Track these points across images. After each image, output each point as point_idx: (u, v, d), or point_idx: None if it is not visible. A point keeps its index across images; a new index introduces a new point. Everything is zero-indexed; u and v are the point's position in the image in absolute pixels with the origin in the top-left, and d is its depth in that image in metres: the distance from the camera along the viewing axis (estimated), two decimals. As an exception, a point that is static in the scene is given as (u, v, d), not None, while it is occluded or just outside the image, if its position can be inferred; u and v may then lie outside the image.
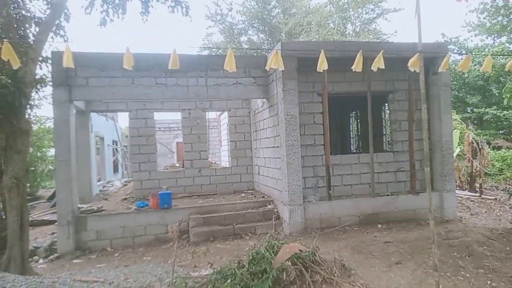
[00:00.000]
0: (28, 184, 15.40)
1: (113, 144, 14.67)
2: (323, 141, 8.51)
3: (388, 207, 8.50)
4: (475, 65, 20.83)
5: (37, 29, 7.01)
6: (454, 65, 18.49)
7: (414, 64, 4.54)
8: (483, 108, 21.12)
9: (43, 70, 8.13)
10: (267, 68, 5.67)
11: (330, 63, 8.22)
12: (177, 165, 14.24)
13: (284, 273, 4.67)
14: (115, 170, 15.29)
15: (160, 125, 20.84)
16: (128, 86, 8.38)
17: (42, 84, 6.87)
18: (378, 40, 23.22)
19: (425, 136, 4.27)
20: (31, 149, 15.91)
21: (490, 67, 5.16)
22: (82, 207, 8.61)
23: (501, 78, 20.36)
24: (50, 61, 8.06)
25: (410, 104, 8.76)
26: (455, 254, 5.06)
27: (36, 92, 6.98)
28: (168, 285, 5.10)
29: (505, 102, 14.29)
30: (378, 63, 5.26)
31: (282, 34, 25.23)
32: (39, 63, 7.22)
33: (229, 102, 11.24)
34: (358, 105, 13.28)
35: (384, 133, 12.05)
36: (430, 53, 8.53)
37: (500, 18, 21.27)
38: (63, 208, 7.82)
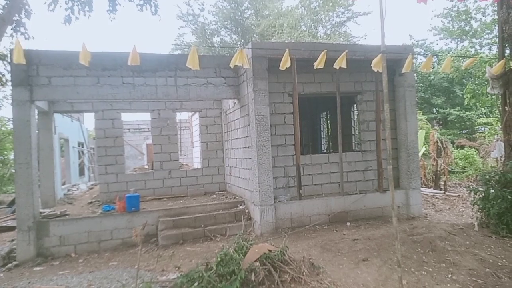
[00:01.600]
0: (-13, 189, 14.74)
1: (79, 146, 14.15)
2: (294, 141, 8.56)
3: (357, 205, 8.66)
4: (439, 67, 21.70)
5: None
6: (414, 70, 19.19)
7: (377, 64, 4.65)
8: (448, 109, 22.00)
9: (1, 68, 7.75)
10: (231, 65, 5.62)
11: (300, 64, 8.35)
12: (146, 167, 13.93)
13: (253, 274, 4.64)
14: (81, 173, 14.75)
15: (130, 126, 20.37)
16: (93, 85, 8.11)
17: (0, 84, 6.49)
18: (347, 43, 23.72)
19: (387, 135, 4.35)
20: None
21: (449, 68, 5.36)
22: (44, 212, 8.23)
23: (464, 81, 21.30)
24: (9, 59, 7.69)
25: (377, 105, 8.97)
26: (419, 249, 5.20)
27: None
28: (134, 290, 4.94)
29: (465, 102, 14.94)
30: (341, 62, 5.35)
31: (254, 35, 25.31)
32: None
33: (200, 102, 11.11)
34: (329, 106, 13.49)
35: (353, 133, 12.28)
36: (394, 54, 8.79)
37: (462, 24, 22.30)
38: (23, 213, 7.44)
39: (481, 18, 21.91)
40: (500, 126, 7.37)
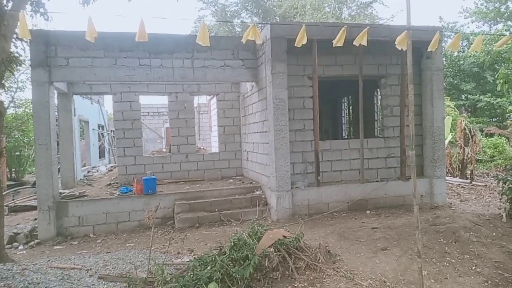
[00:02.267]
0: (13, 169, 15.22)
1: (98, 129, 14.32)
2: (313, 126, 8.29)
3: (377, 193, 8.37)
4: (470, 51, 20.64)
5: (11, 3, 6.60)
6: (450, 51, 18.24)
7: (401, 42, 4.31)
8: (477, 96, 21.00)
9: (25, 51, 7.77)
10: (243, 41, 5.37)
11: (322, 46, 8.01)
12: (164, 150, 13.97)
13: (267, 260, 4.52)
14: (101, 155, 14.97)
15: (149, 110, 20.50)
16: (110, 67, 8.06)
17: (16, 64, 6.48)
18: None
19: (411, 119, 4.06)
20: (17, 134, 15.59)
21: (479, 47, 4.93)
22: (64, 192, 8.36)
23: (496, 66, 20.18)
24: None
25: (403, 89, 8.54)
26: (442, 240, 4.92)
27: (10, 71, 6.60)
28: (146, 272, 4.92)
29: (498, 88, 14.15)
30: (361, 39, 5.01)
31: (276, 17, 24.71)
32: (14, 40, 6.84)
33: (217, 85, 10.94)
34: (350, 90, 13.04)
35: (376, 119, 11.86)
36: (421, 34, 8.29)
37: (497, 5, 20.99)
38: (43, 193, 7.57)
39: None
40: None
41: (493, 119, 21.67)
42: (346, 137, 13.71)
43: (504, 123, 19.15)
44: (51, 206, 7.54)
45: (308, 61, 8.15)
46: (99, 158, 14.42)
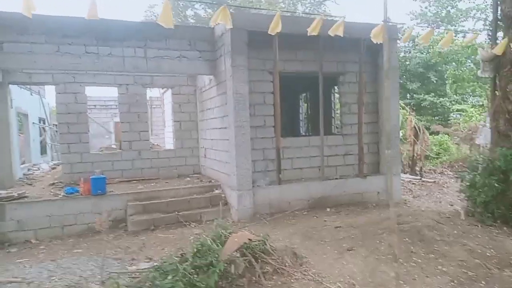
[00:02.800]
0: None
1: (39, 123, 13.05)
2: (274, 122, 8.09)
3: (337, 190, 8.39)
4: (416, 52, 21.72)
5: None
6: (397, 52, 19.05)
7: (377, 35, 4.19)
8: (422, 95, 22.22)
9: None
10: (211, 23, 5.02)
11: (282, 40, 7.81)
12: (114, 146, 13.09)
13: (233, 266, 4.24)
14: (43, 151, 13.69)
15: (96, 103, 19.14)
16: (52, 54, 7.26)
17: None
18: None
19: (386, 117, 3.95)
20: None
21: (450, 43, 5.02)
22: (0, 193, 7.42)
23: (438, 67, 21.42)
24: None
25: (360, 87, 8.60)
26: (407, 239, 4.95)
27: None
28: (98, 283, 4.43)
29: (447, 88, 14.83)
30: (337, 29, 4.86)
31: (231, 10, 24.27)
32: None
33: (172, 78, 10.37)
34: (308, 87, 13.09)
35: (333, 116, 12.01)
36: (391, 23, 8.40)
37: (439, 9, 22.32)
38: (-28, 195, 6.64)
39: (457, 4, 22.01)
40: (488, 112, 7.21)
41: (435, 118, 23.08)
42: (303, 133, 13.74)
43: (447, 121, 20.39)
44: (-17, 210, 6.65)
45: (269, 55, 7.92)
46: (41, 154, 13.15)
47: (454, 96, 21.14)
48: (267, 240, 4.82)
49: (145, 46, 7.81)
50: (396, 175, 8.86)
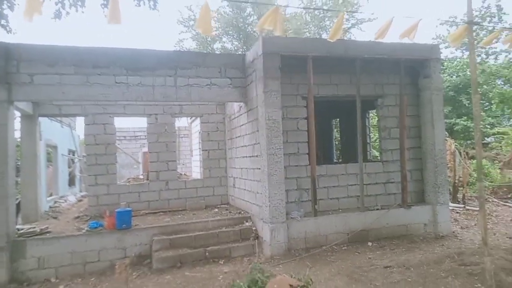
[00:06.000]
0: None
1: (69, 154, 13.06)
2: (308, 149, 7.57)
3: (379, 222, 7.63)
4: (446, 76, 20.89)
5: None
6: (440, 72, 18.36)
7: (456, 38, 3.57)
8: (453, 119, 21.20)
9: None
10: (257, 28, 4.62)
11: (316, 64, 7.44)
12: (141, 177, 12.85)
13: (273, 318, 3.64)
14: (71, 183, 13.63)
15: (126, 134, 19.38)
16: (82, 84, 7.14)
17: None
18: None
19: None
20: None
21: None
22: (22, 229, 7.16)
23: (468, 90, 20.43)
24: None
25: (401, 110, 7.99)
26: (479, 285, 4.17)
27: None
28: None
29: (494, 108, 13.83)
30: (409, 34, 4.31)
31: (262, 34, 24.48)
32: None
33: (201, 107, 10.13)
34: (340, 112, 12.57)
35: (368, 141, 11.33)
36: (418, 53, 7.92)
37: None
38: (-5, 231, 6.38)
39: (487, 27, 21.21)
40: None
41: (468, 142, 21.83)
42: (336, 160, 13.07)
43: (486, 145, 19.15)
44: (5, 247, 6.35)
45: (302, 79, 7.53)
46: (69, 186, 13.08)
47: (489, 119, 20.07)
48: (310, 285, 4.20)
49: (175, 75, 7.60)
50: (444, 205, 8.03)
